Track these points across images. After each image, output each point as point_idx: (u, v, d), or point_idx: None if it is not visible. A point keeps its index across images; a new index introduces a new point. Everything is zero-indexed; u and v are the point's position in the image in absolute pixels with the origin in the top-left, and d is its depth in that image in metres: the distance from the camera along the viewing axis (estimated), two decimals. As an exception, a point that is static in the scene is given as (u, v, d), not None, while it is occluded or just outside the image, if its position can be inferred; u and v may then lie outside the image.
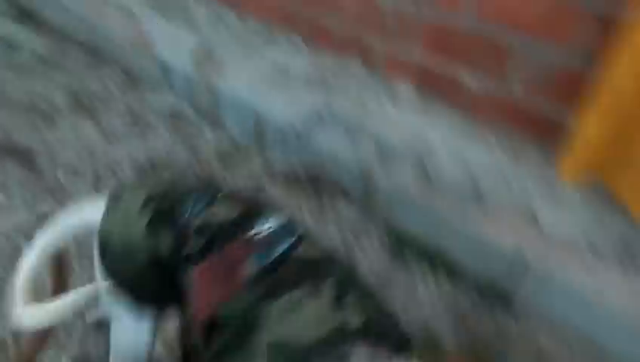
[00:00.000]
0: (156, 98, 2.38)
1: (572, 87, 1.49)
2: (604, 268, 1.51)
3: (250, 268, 0.90)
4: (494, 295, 1.69)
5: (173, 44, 2.24)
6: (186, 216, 0.99)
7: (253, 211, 1.02)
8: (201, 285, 0.94)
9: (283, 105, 1.97)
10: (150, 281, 1.01)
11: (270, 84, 2.04)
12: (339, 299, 0.86)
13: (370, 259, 1.81)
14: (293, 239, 0.96)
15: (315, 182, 2.00)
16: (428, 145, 1.79)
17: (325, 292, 0.87)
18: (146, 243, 0.98)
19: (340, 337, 0.81)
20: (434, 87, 1.87)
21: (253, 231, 0.96)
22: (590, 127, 1.40)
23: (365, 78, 2.00)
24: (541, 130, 1.67)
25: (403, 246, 1.84)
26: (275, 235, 0.96)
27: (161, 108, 2.33)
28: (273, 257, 0.92)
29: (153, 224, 0.99)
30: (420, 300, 1.72)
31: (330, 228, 1.89)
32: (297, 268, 0.92)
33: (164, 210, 1.00)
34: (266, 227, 0.98)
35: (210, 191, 1.06)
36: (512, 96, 1.69)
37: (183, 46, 2.21)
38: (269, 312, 0.84)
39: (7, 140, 2.18)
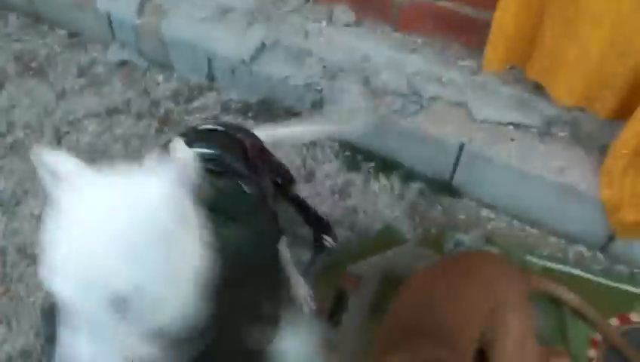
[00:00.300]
0: (104, 53, 2.42)
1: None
2: (529, 144, 1.73)
3: None
4: (439, 183, 1.90)
5: (113, -4, 2.29)
6: None
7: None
8: None
9: (230, 41, 2.07)
10: None
11: (215, 23, 2.13)
12: None
13: (326, 170, 1.98)
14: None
15: (268, 108, 2.13)
16: (368, 60, 1.94)
17: None
18: None
19: None
20: (367, 7, 2.01)
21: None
22: (505, 18, 1.58)
23: (304, 6, 2.11)
24: (468, 32, 1.84)
25: (356, 154, 2.01)
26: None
27: (110, 62, 2.39)
28: None
29: None
30: (375, 199, 1.92)
31: (286, 148, 2.03)
32: None
33: None
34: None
35: None
36: (438, 4, 1.85)
37: (123, -4, 2.27)
38: None
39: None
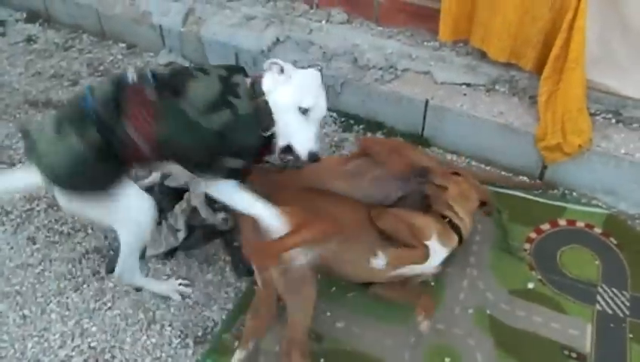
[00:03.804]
0: (155, 58, 3.09)
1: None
2: (477, 98, 2.25)
3: (150, 94, 1.55)
4: (414, 136, 2.42)
5: (164, 13, 2.96)
6: (90, 106, 1.58)
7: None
8: (137, 125, 1.53)
9: (252, 38, 2.70)
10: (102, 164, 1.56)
11: (241, 27, 2.77)
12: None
13: (327, 132, 2.53)
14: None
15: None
16: (357, 46, 2.53)
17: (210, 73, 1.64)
18: (82, 147, 1.52)
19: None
20: (356, 9, 2.64)
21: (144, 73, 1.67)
22: (449, 1, 2.15)
23: (307, 11, 2.75)
24: (431, 21, 2.40)
25: (348, 119, 2.57)
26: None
27: (159, 64, 3.04)
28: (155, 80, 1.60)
29: (75, 131, 1.53)
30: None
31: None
32: (174, 74, 1.62)
33: (72, 118, 1.56)
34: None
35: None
36: (407, 0, 2.45)
37: (173, 11, 2.94)
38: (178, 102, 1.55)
39: (45, 97, 2.86)
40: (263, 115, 1.61)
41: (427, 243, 1.71)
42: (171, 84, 1.58)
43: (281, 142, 1.65)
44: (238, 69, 1.72)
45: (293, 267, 1.65)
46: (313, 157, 1.64)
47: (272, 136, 1.66)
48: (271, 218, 1.62)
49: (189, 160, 1.61)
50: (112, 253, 2.04)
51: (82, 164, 1.51)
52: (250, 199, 1.65)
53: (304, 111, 1.62)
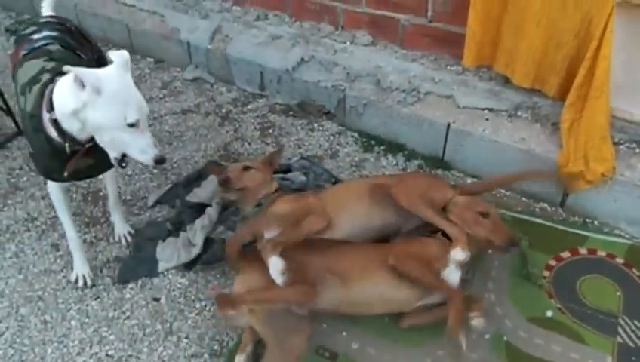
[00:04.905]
0: (181, 73, 3.16)
1: (465, 8, 2.25)
2: (499, 123, 2.26)
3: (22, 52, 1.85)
4: (434, 160, 2.43)
5: (192, 30, 3.03)
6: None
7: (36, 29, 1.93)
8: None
9: (277, 57, 2.75)
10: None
11: (267, 46, 2.82)
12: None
13: (348, 152, 2.56)
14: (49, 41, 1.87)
15: (304, 108, 2.78)
16: (380, 68, 2.56)
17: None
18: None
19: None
20: (380, 30, 2.67)
21: (34, 37, 1.88)
22: (474, 27, 2.16)
23: (333, 32, 2.79)
24: (454, 45, 2.42)
25: (370, 140, 2.59)
26: (42, 39, 1.87)
27: (186, 79, 3.11)
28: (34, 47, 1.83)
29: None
30: (384, 172, 2.45)
31: (318, 138, 2.64)
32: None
33: None
34: (39, 36, 1.89)
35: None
36: (432, 25, 2.47)
37: (201, 29, 3.01)
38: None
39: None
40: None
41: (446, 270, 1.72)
42: None
43: (112, 154, 1.60)
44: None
45: (279, 316, 1.64)
46: (161, 161, 1.57)
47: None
48: None
49: None
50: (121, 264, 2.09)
51: None
52: None
53: (131, 125, 1.50)
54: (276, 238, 1.70)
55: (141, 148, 1.53)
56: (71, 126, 1.56)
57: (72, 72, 1.44)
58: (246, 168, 2.03)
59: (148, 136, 1.53)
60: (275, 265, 1.61)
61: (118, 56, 1.54)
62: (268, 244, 1.67)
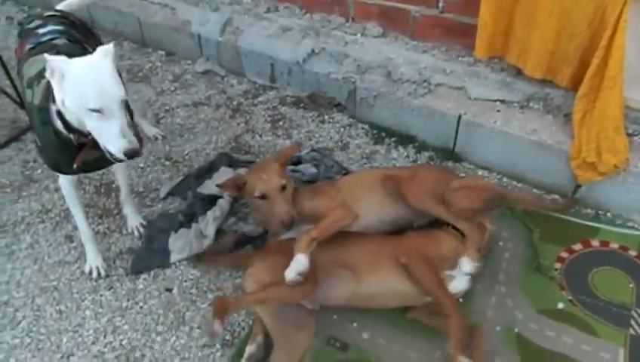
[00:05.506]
0: (192, 66, 3.17)
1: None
2: (511, 114, 2.24)
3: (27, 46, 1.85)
4: (445, 151, 2.42)
5: (203, 23, 3.04)
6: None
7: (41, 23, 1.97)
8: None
9: (288, 49, 2.75)
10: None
11: (277, 38, 2.82)
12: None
13: (358, 143, 2.55)
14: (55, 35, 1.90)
15: (315, 100, 2.77)
16: (390, 60, 2.55)
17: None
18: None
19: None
20: (390, 21, 2.65)
21: (39, 31, 1.91)
22: (485, 18, 2.14)
23: (343, 24, 2.78)
24: (465, 36, 2.40)
25: (380, 131, 2.58)
26: (48, 33, 1.90)
27: (197, 71, 3.13)
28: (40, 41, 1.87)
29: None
30: (394, 164, 2.45)
31: (329, 130, 2.64)
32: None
33: None
34: (44, 30, 1.92)
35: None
36: (442, 16, 2.45)
37: (212, 22, 3.01)
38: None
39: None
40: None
41: (451, 272, 1.75)
42: None
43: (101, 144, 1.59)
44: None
45: (288, 310, 1.66)
46: (131, 154, 1.52)
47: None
48: None
49: None
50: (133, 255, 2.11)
51: None
52: None
53: (96, 111, 1.48)
54: (312, 232, 1.70)
55: (108, 137, 1.50)
56: (69, 117, 1.58)
57: (46, 59, 1.46)
58: (282, 187, 1.88)
59: (115, 125, 1.49)
60: (300, 264, 1.63)
61: (102, 48, 1.56)
62: (305, 237, 1.68)
